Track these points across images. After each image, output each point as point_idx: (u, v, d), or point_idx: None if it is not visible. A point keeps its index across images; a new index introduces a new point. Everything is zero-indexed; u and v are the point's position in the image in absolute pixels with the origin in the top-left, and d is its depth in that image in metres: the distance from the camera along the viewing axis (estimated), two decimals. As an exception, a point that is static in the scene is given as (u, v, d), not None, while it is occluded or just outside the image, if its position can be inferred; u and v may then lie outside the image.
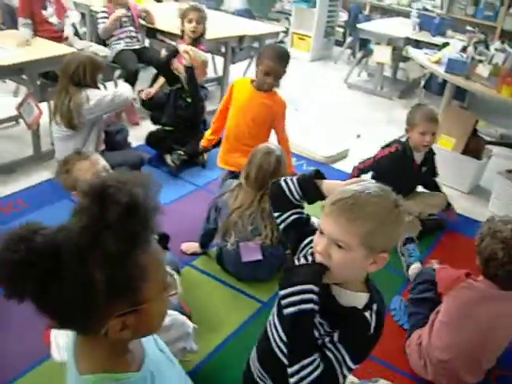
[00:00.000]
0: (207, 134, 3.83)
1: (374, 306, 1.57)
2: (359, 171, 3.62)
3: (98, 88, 3.67)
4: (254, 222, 2.89)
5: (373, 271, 1.53)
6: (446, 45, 5.07)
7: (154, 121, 4.45)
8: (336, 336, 1.56)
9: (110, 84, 4.25)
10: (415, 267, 3.19)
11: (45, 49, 4.08)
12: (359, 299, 1.57)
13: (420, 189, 3.86)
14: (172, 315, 2.01)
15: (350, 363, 1.53)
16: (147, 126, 4.58)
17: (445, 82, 5.70)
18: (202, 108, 4.25)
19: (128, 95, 3.77)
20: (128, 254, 1.00)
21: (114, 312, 1.04)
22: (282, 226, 1.81)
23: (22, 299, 0.99)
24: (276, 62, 3.31)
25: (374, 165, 3.57)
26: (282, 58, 3.35)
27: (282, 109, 3.53)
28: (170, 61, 4.15)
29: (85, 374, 1.11)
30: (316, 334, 1.58)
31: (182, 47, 4.08)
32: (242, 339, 2.65)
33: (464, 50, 4.55)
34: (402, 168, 3.49)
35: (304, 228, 1.78)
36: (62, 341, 1.97)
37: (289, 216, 1.79)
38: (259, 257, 2.88)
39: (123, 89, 3.85)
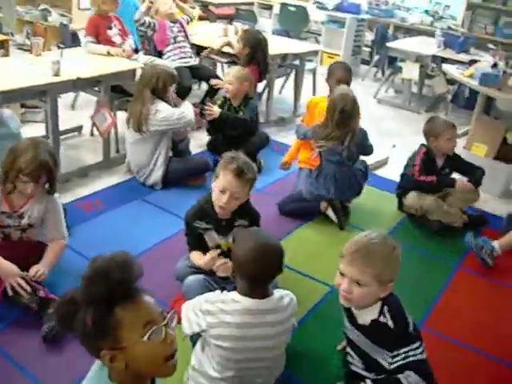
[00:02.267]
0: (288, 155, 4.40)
1: (385, 308, 2.14)
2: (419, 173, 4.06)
3: (169, 102, 4.08)
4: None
5: (383, 296, 2.13)
6: (475, 61, 5.46)
7: (211, 133, 4.82)
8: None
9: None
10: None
11: (117, 64, 4.50)
12: (372, 311, 2.16)
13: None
14: (289, 295, 2.30)
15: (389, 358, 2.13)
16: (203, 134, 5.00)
17: (471, 96, 6.09)
18: (254, 122, 4.66)
19: (191, 117, 4.18)
20: (106, 310, 1.42)
21: (102, 347, 1.43)
22: None
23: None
24: (348, 74, 4.18)
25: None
26: (350, 70, 4.29)
27: None
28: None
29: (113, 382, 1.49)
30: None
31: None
32: (313, 322, 2.98)
33: (495, 65, 4.93)
34: (428, 170, 4.02)
35: None
36: (192, 316, 2.23)
37: None
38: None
39: (187, 110, 4.22)
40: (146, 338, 1.41)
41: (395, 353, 2.12)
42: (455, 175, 4.16)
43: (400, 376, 2.10)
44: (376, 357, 2.20)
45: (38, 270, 2.82)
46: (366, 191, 4.22)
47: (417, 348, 2.14)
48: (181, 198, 4.14)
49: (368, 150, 4.05)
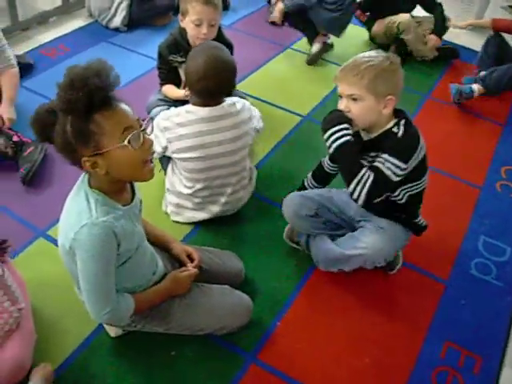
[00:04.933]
0: None
1: (402, 121, 1.98)
2: None
3: None
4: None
5: (387, 113, 1.96)
6: None
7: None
8: (379, 153, 1.99)
9: None
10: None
11: None
12: (386, 126, 2.00)
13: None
14: (240, 101, 2.34)
15: (396, 161, 1.92)
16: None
17: None
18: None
19: None
20: (86, 117, 1.44)
21: (84, 154, 1.48)
22: None
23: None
24: None
25: None
26: None
27: None
28: None
29: (92, 189, 1.58)
30: (364, 162, 2.00)
31: None
32: (287, 147, 3.08)
33: None
34: None
35: None
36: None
37: None
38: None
39: None
40: (126, 142, 1.48)
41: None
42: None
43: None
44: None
45: (7, 115, 2.80)
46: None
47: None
48: (147, 38, 4.04)
49: None
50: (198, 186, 2.35)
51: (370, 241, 2.11)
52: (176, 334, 1.98)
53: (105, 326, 2.03)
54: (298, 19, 3.89)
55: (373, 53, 1.99)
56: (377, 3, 4.10)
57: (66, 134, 1.46)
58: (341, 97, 2.00)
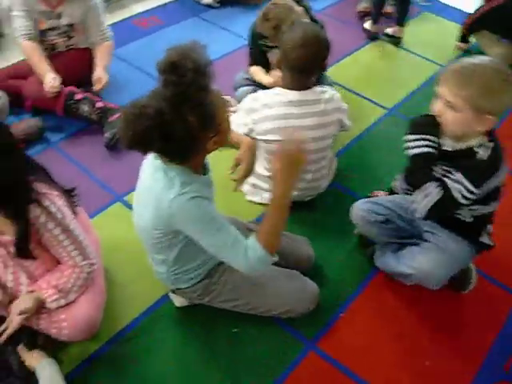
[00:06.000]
0: None
1: (490, 144, 1.81)
2: (468, 26, 3.74)
3: None
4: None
5: (481, 131, 1.78)
6: None
7: None
8: (453, 170, 1.85)
9: None
10: None
11: None
12: (470, 142, 1.82)
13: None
14: (330, 91, 2.29)
15: (468, 184, 1.79)
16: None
17: None
18: None
19: None
20: (205, 99, 1.46)
21: (208, 137, 1.53)
22: None
23: (148, 151, 1.57)
24: None
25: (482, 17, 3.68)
26: None
27: None
28: None
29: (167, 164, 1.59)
30: (436, 172, 1.89)
31: None
32: (368, 140, 3.01)
33: None
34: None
35: None
36: (238, 119, 2.32)
37: None
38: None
39: None
40: (227, 115, 1.59)
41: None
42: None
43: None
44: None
45: (100, 78, 2.89)
46: (427, 17, 3.99)
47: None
48: (238, 16, 4.05)
49: None
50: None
51: (423, 261, 2.01)
52: (239, 312, 2.00)
53: (170, 295, 2.08)
54: None
55: (485, 60, 1.76)
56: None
57: (188, 125, 1.46)
58: (438, 97, 1.82)
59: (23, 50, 2.85)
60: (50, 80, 2.74)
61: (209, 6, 4.13)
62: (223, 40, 3.72)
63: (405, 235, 2.19)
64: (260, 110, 2.23)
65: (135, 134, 1.42)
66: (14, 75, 2.94)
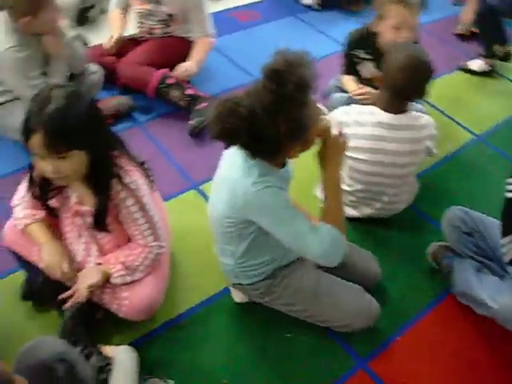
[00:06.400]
0: None
1: None
2: None
3: None
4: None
5: None
6: None
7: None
8: None
9: None
10: None
11: None
12: None
13: None
14: (425, 116, 2.26)
15: None
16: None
17: None
18: None
19: None
20: (301, 113, 1.48)
21: (293, 148, 1.57)
22: None
23: (235, 144, 1.57)
24: None
25: None
26: None
27: None
28: None
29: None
30: None
31: None
32: (453, 165, 2.91)
33: None
34: None
35: None
36: None
37: None
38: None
39: None
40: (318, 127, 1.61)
41: None
42: None
43: None
44: None
45: (186, 68, 2.94)
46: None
47: None
48: (337, 20, 4.02)
49: None
50: (358, 186, 2.32)
51: (508, 300, 1.92)
52: (295, 318, 1.99)
53: (231, 289, 2.09)
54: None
55: None
56: None
57: (278, 133, 1.49)
58: None
59: (109, 17, 3.02)
60: (113, 39, 2.96)
61: (308, 7, 4.13)
62: (319, 43, 3.71)
63: (484, 255, 2.14)
64: (352, 126, 2.20)
65: (224, 129, 1.46)
66: (111, 52, 3.04)
